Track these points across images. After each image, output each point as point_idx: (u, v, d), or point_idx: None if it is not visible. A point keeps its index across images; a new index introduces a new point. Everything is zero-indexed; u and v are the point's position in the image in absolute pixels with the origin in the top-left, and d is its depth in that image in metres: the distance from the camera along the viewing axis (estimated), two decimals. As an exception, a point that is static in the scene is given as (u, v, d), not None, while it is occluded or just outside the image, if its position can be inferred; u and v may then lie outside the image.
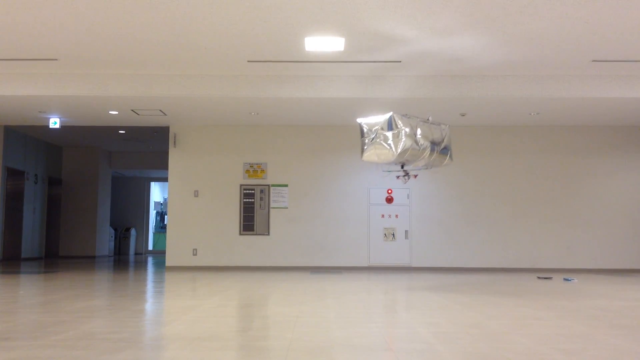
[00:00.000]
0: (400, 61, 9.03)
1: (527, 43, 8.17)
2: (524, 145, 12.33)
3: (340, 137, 12.34)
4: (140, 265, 13.39)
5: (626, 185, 12.28)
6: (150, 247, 21.11)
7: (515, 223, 12.16)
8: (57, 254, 16.34)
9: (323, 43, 8.11)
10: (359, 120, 7.27)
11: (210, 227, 12.13)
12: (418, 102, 10.19)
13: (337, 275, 9.83)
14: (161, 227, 21.87)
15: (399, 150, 6.90)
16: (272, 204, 12.16)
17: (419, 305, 5.52)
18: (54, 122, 11.45)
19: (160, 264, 13.61)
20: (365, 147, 7.16)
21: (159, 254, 20.24)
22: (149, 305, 5.53)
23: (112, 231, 18.19)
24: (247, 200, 12.17)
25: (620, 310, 5.28)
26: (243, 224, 12.12)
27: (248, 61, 9.11)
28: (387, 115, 7.06)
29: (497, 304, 5.65)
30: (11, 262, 13.29)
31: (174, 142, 12.28)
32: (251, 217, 12.12)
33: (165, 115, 11.29)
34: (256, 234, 12.10)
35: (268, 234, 12.10)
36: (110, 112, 11.00)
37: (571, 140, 12.35)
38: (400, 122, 6.97)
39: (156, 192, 22.15)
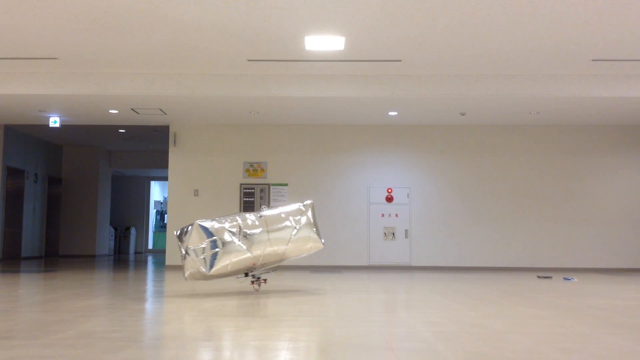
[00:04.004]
0: (400, 60, 9.03)
1: (526, 42, 8.16)
2: (523, 144, 12.33)
3: (340, 136, 12.34)
4: (140, 264, 13.39)
5: (626, 184, 12.27)
6: (150, 246, 21.11)
7: (515, 222, 12.16)
8: (57, 253, 16.34)
9: (323, 42, 8.10)
10: (175, 232, 6.26)
11: (210, 226, 12.12)
12: (418, 101, 10.19)
13: (337, 275, 9.83)
14: (161, 226, 21.87)
15: (212, 270, 5.84)
16: (272, 203, 12.16)
17: (418, 305, 5.52)
18: (54, 121, 11.44)
19: (160, 263, 13.61)
20: (183, 264, 6.05)
21: (159, 253, 20.24)
22: (149, 304, 5.53)
23: (112, 230, 18.19)
24: (247, 199, 12.17)
25: (620, 309, 5.28)
26: (243, 223, 12.11)
27: (248, 60, 9.10)
28: (191, 227, 5.96)
29: (497, 303, 5.65)
30: (11, 261, 13.29)
31: (174, 141, 12.28)
32: (251, 216, 12.10)
33: (165, 114, 11.29)
34: (256, 233, 12.09)
35: (268, 233, 12.09)
36: (110, 111, 11.00)
37: (571, 140, 12.35)
38: (207, 232, 5.89)
39: (156, 191, 22.15)
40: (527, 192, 12.23)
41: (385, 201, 12.22)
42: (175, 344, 3.46)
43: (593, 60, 8.96)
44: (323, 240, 6.48)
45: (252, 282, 6.59)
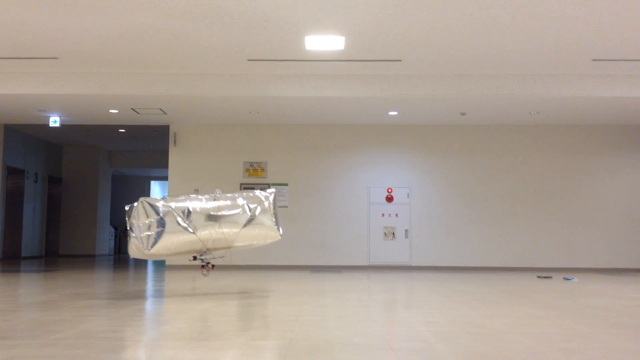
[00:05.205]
0: (400, 60, 9.03)
1: (527, 42, 8.16)
2: (524, 144, 12.33)
3: (340, 135, 12.34)
4: (140, 264, 13.39)
5: (626, 184, 12.27)
6: (150, 246, 21.09)
7: (515, 222, 12.16)
8: (57, 253, 16.34)
9: (323, 42, 8.10)
10: (126, 207, 6.14)
11: (210, 226, 12.11)
12: (418, 101, 10.19)
13: (338, 274, 9.83)
14: (161, 226, 21.83)
15: (153, 249, 5.71)
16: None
17: (419, 304, 5.52)
18: (54, 121, 11.44)
19: (160, 263, 13.61)
20: (129, 243, 5.95)
21: (159, 253, 20.21)
22: (149, 304, 5.53)
23: (112, 230, 18.19)
24: (247, 199, 12.16)
25: (620, 309, 5.28)
26: (243, 223, 12.11)
27: (248, 60, 9.10)
28: (137, 204, 5.86)
29: (497, 303, 5.65)
30: (11, 261, 13.29)
31: (174, 140, 12.27)
32: (251, 216, 12.11)
33: (166, 114, 11.29)
34: (256, 233, 12.08)
35: (268, 233, 12.08)
36: (110, 110, 11.00)
37: (571, 140, 12.35)
38: (154, 209, 5.74)
39: (156, 191, 22.15)
40: (527, 192, 12.23)
41: (385, 201, 12.22)
42: (174, 344, 3.46)
43: (593, 60, 8.96)
44: (281, 232, 6.32)
45: (202, 267, 6.44)
